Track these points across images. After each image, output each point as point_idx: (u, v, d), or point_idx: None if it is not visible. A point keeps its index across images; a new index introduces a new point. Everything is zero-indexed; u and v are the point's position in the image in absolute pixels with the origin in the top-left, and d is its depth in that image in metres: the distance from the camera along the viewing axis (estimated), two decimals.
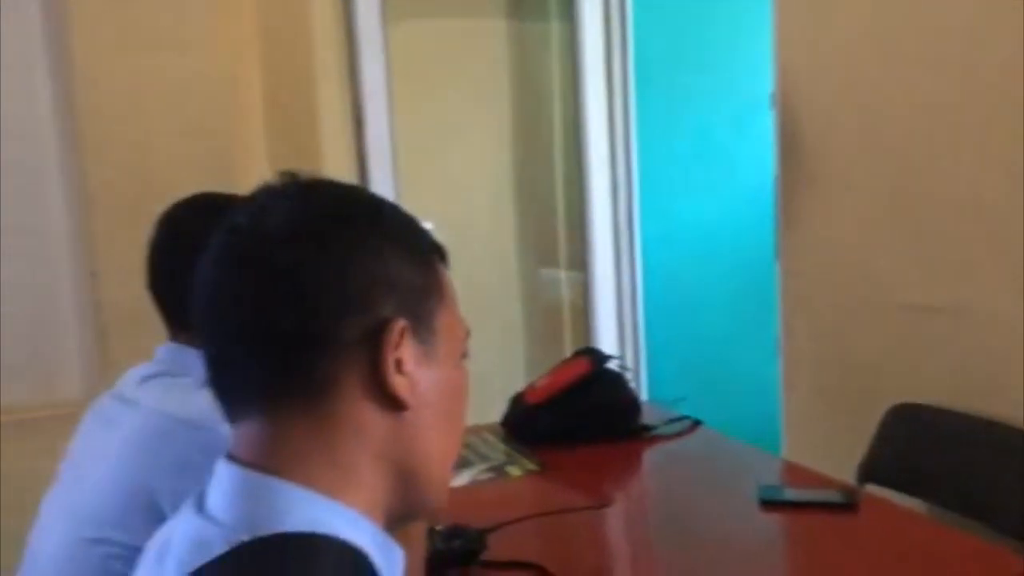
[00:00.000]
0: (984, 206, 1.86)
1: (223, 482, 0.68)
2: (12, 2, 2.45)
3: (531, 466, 1.81)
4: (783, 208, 2.41)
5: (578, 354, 2.13)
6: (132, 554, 1.05)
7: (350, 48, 2.77)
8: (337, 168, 2.96)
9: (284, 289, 0.66)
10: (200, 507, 0.68)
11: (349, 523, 0.65)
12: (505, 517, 1.48)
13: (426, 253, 0.73)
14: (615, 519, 1.58)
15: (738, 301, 3.32)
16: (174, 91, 2.62)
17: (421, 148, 3.04)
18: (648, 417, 2.01)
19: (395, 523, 0.72)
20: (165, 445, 1.09)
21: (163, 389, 1.15)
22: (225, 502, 0.66)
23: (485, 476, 1.76)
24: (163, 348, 1.22)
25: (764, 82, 2.58)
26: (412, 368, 0.68)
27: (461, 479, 1.74)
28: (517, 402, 2.03)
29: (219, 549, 0.62)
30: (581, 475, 1.77)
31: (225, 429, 1.03)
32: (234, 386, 0.69)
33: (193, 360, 1.15)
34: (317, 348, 0.66)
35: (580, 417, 1.94)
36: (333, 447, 0.67)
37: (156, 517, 1.04)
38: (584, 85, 3.14)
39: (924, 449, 1.91)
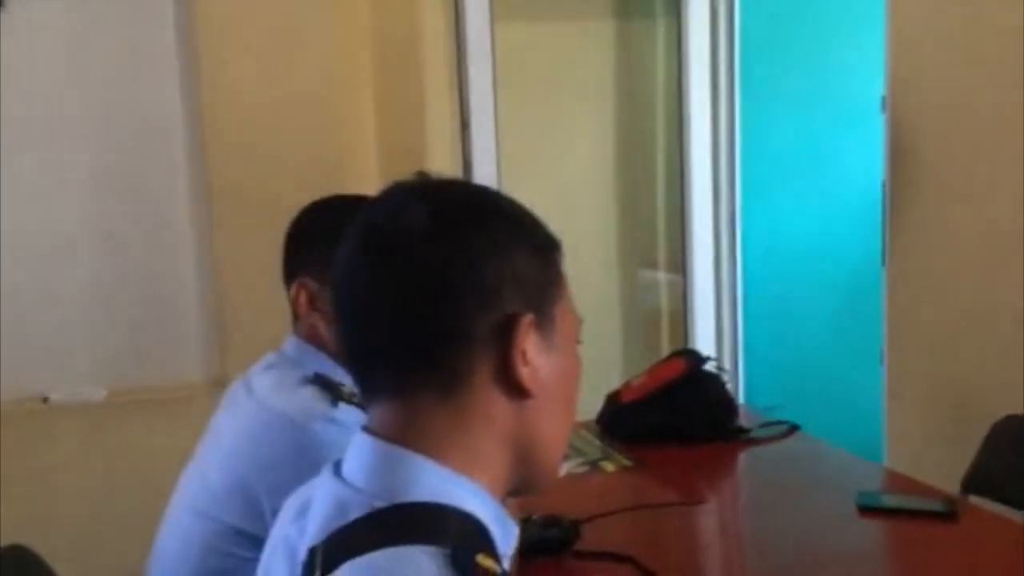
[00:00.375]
0: None
1: (362, 452, 0.74)
2: (149, 7, 2.62)
3: (625, 462, 1.84)
4: (892, 214, 2.37)
5: (675, 355, 2.15)
6: (232, 533, 1.14)
7: (458, 50, 2.85)
8: (442, 168, 3.03)
9: (424, 286, 0.70)
10: (337, 471, 0.75)
11: (473, 497, 0.71)
12: (598, 510, 1.52)
13: (546, 247, 0.77)
14: (707, 517, 1.60)
15: (840, 309, 3.25)
16: (291, 92, 2.74)
17: (525, 149, 3.09)
18: (744, 420, 2.01)
19: (507, 496, 0.77)
20: (263, 439, 1.16)
21: (275, 382, 1.22)
22: (363, 470, 0.72)
23: (580, 470, 1.80)
24: (287, 339, 1.29)
25: (872, 85, 2.53)
26: (534, 358, 0.73)
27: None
28: (612, 400, 2.06)
29: (357, 513, 0.69)
30: (674, 473, 1.79)
31: (320, 427, 1.11)
32: (372, 372, 0.74)
33: (311, 356, 1.23)
34: (453, 342, 0.71)
35: (675, 417, 1.96)
36: (463, 431, 0.72)
37: (252, 504, 1.12)
38: (689, 85, 3.13)
39: None
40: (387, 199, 0.75)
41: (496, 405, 0.73)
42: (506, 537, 0.73)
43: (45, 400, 2.61)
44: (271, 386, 1.21)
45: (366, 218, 0.74)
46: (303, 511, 0.76)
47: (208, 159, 2.67)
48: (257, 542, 1.12)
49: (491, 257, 0.72)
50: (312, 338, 1.24)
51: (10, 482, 2.45)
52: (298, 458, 1.08)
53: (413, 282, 0.71)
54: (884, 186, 2.40)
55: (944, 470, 1.97)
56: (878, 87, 2.44)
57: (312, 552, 0.69)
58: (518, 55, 3.04)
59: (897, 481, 1.81)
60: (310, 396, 1.16)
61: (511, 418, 0.73)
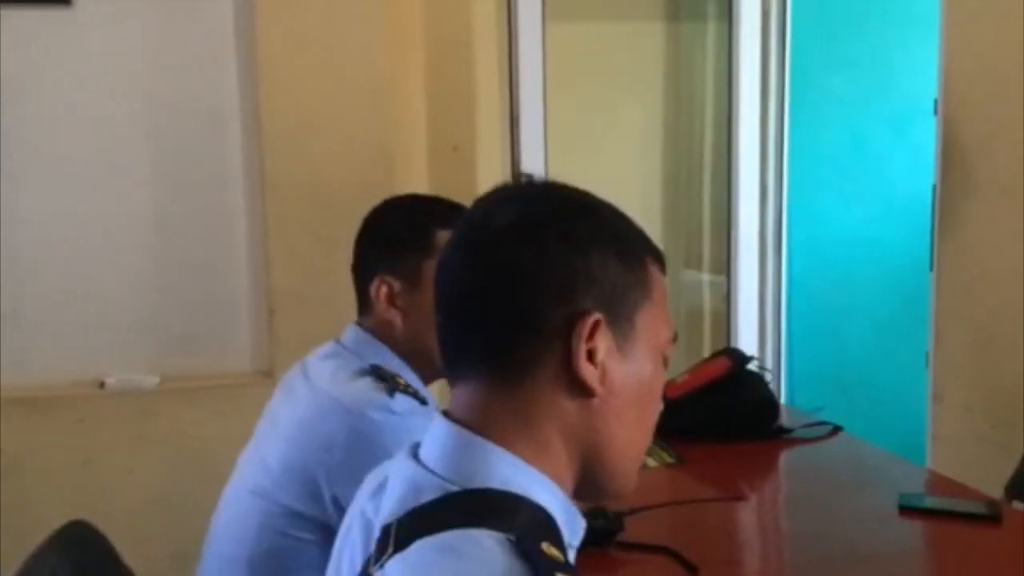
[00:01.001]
0: None
1: (439, 436, 0.77)
2: (209, 4, 2.69)
3: (668, 459, 1.86)
4: (941, 217, 2.36)
5: (719, 354, 2.17)
6: (290, 513, 1.19)
7: (510, 48, 2.89)
8: (491, 165, 3.08)
9: (502, 279, 0.75)
10: (414, 453, 0.78)
11: (543, 488, 0.74)
12: (641, 503, 1.54)
13: (638, 254, 0.79)
14: (749, 514, 1.62)
15: (886, 313, 3.24)
16: (344, 87, 2.79)
17: (573, 147, 3.12)
18: (787, 420, 2.02)
19: (581, 499, 0.80)
20: (321, 424, 1.20)
21: (333, 370, 1.27)
22: (439, 454, 0.76)
23: None
24: (348, 331, 1.34)
25: (922, 87, 2.53)
26: (604, 358, 0.75)
27: None
28: None
29: (430, 494, 0.73)
30: (717, 470, 1.81)
31: (377, 415, 1.15)
32: (456, 355, 0.79)
33: (371, 348, 1.28)
34: (523, 334, 0.74)
35: (718, 415, 1.97)
36: (530, 421, 0.75)
37: (310, 485, 1.17)
38: (739, 86, 3.14)
39: None
40: (487, 199, 0.80)
41: (559, 400, 0.75)
42: (574, 529, 0.76)
43: (101, 385, 2.70)
44: (329, 375, 1.25)
45: (466, 217, 0.80)
46: (380, 489, 0.80)
47: (263, 152, 2.72)
48: (313, 523, 1.17)
49: (568, 254, 0.75)
50: (384, 333, 1.29)
51: (65, 466, 2.53)
52: (355, 444, 1.12)
53: (493, 275, 0.75)
54: (934, 189, 2.39)
55: (988, 475, 1.97)
56: (927, 91, 2.44)
57: (386, 529, 0.72)
58: (568, 54, 3.07)
59: (939, 483, 1.81)
60: (367, 386, 1.21)
61: (574, 415, 0.76)
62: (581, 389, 0.75)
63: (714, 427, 1.95)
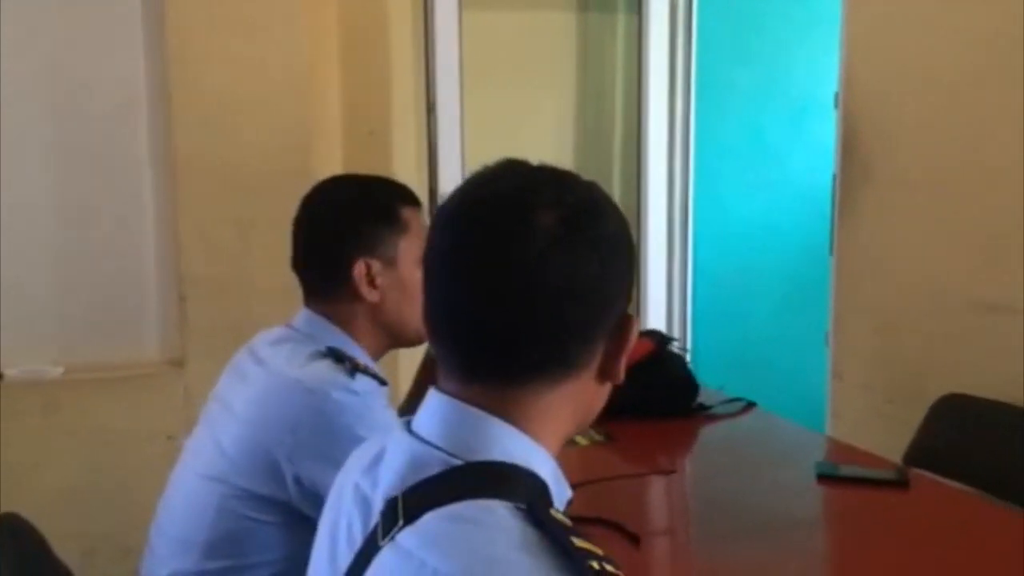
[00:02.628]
0: None
1: (437, 409, 0.79)
2: None
3: (597, 437, 1.93)
4: (841, 205, 2.50)
5: (642, 336, 2.24)
6: (249, 496, 1.19)
7: (426, 36, 2.89)
8: (406, 150, 3.09)
9: (559, 288, 0.75)
10: (408, 428, 0.80)
11: (539, 460, 0.78)
12: (578, 480, 1.59)
13: (633, 250, 0.85)
14: (679, 486, 1.69)
15: (785, 296, 3.41)
16: (258, 71, 2.73)
17: (487, 135, 3.15)
18: (705, 398, 2.12)
19: None
20: (283, 406, 1.20)
21: (289, 353, 1.27)
22: (441, 427, 0.77)
23: None
24: (300, 315, 1.34)
25: (819, 82, 2.67)
26: None
27: None
28: None
29: (435, 468, 0.74)
30: (644, 446, 1.89)
31: (340, 395, 1.16)
32: (481, 354, 0.77)
33: (325, 330, 1.28)
34: (580, 339, 0.78)
35: (642, 393, 2.04)
36: (559, 409, 0.79)
37: (271, 467, 1.17)
38: (647, 78, 3.24)
39: (971, 438, 2.00)
40: (506, 195, 0.77)
41: (590, 389, 0.81)
42: (561, 498, 0.80)
43: (0, 376, 2.58)
44: (285, 358, 1.25)
45: (485, 212, 0.77)
46: (375, 463, 0.81)
47: (174, 134, 2.65)
48: (273, 504, 1.17)
49: (615, 260, 0.79)
50: (347, 315, 1.30)
51: None
52: (319, 424, 1.13)
53: (550, 289, 0.75)
54: (834, 179, 2.53)
55: (881, 447, 2.11)
56: (824, 86, 2.58)
57: (392, 503, 0.74)
58: (483, 42, 3.09)
59: (850, 453, 1.93)
60: (327, 367, 1.21)
61: (592, 396, 0.82)
62: (611, 379, 0.82)
63: (639, 405, 2.01)
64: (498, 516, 0.70)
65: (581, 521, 1.45)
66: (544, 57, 3.36)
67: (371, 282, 1.29)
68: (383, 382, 1.25)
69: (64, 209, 2.62)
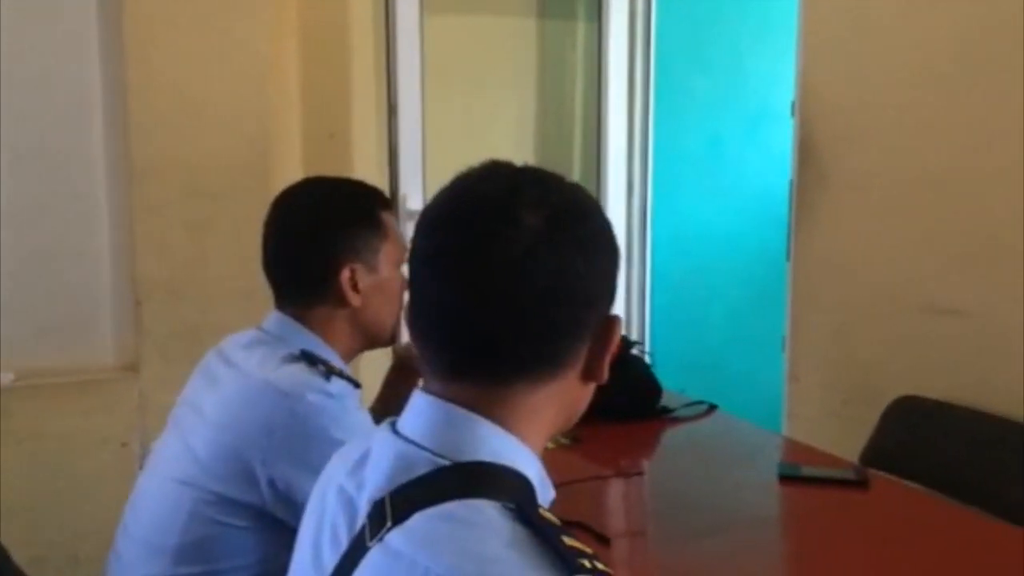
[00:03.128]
0: (993, 214, 2.01)
1: (424, 410, 0.79)
2: None
3: (564, 440, 1.94)
4: (798, 211, 2.55)
5: None
6: (222, 500, 1.17)
7: (388, 38, 2.89)
8: (367, 153, 3.07)
9: (547, 289, 0.76)
10: (394, 429, 0.80)
11: (525, 459, 0.78)
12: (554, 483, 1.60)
13: (618, 252, 0.85)
14: (646, 488, 1.71)
15: (742, 299, 3.46)
16: (216, 73, 2.70)
17: (448, 138, 3.15)
18: (666, 401, 2.15)
19: None
20: (257, 408, 1.19)
21: (262, 356, 1.26)
22: (427, 428, 0.77)
23: None
24: (271, 318, 1.33)
25: (775, 91, 2.72)
26: None
27: None
28: None
29: (423, 469, 0.74)
30: (611, 449, 1.90)
31: (315, 398, 1.15)
32: (465, 355, 0.77)
33: (296, 333, 1.27)
34: (567, 340, 0.78)
35: (606, 397, 2.05)
36: (545, 409, 0.79)
37: (245, 471, 1.16)
38: (607, 84, 3.27)
39: (925, 439, 2.06)
40: (490, 196, 0.77)
41: (575, 389, 0.82)
42: (545, 497, 0.80)
43: None
44: (258, 361, 1.24)
45: (470, 213, 0.77)
46: (360, 465, 0.80)
47: (129, 136, 2.60)
48: (246, 509, 1.16)
49: (600, 260, 0.80)
50: (356, 319, 1.31)
51: None
52: (295, 427, 1.12)
53: (536, 288, 0.75)
54: (791, 185, 2.58)
55: (837, 447, 2.15)
56: (780, 94, 2.63)
57: (379, 504, 0.73)
58: (444, 46, 3.10)
59: (809, 454, 1.97)
60: (301, 370, 1.20)
61: (577, 397, 0.83)
62: (594, 379, 0.82)
63: (603, 409, 2.02)
64: (488, 515, 0.70)
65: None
66: (505, 62, 3.37)
67: (354, 287, 1.29)
68: (357, 385, 1.24)
69: (15, 211, 2.56)
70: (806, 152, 2.51)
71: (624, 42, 3.27)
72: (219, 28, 2.68)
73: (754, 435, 2.05)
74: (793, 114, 2.56)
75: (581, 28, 3.43)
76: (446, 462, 0.75)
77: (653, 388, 2.13)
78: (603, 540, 1.43)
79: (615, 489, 1.68)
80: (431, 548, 0.68)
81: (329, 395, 1.17)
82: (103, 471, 2.55)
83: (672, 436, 2.04)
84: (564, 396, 0.81)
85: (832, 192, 2.44)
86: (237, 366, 1.25)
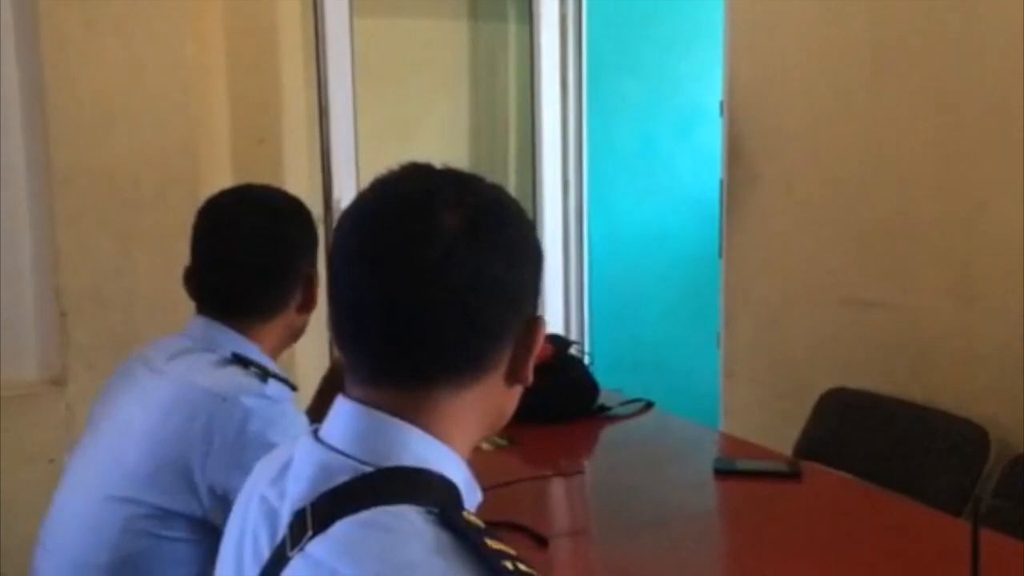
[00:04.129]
0: (912, 210, 2.07)
1: (346, 417, 0.77)
2: None
3: (500, 441, 1.94)
4: (729, 210, 2.60)
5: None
6: (158, 513, 1.14)
7: (317, 42, 2.86)
8: (298, 158, 3.03)
9: (466, 292, 0.75)
10: (316, 436, 0.78)
11: (450, 464, 0.77)
12: (483, 484, 1.60)
13: (542, 254, 0.84)
14: (583, 486, 1.72)
15: (677, 299, 3.51)
16: (140, 78, 2.64)
17: (382, 141, 3.13)
18: (604, 400, 2.16)
19: None
20: (193, 414, 1.16)
21: (193, 362, 1.23)
22: (350, 435, 0.76)
23: None
24: (194, 323, 1.29)
25: (704, 92, 2.77)
26: None
27: None
28: None
29: (343, 476, 0.73)
30: (547, 448, 1.91)
31: (252, 402, 1.13)
32: (388, 360, 0.76)
33: (224, 336, 1.25)
34: (489, 342, 0.77)
35: (544, 398, 2.06)
36: (469, 412, 0.78)
37: (183, 479, 1.13)
38: (540, 86, 3.28)
39: (853, 430, 2.11)
40: (408, 198, 0.76)
41: (500, 392, 0.80)
42: (472, 501, 0.79)
43: None
44: (188, 367, 1.21)
45: (388, 216, 0.76)
46: (282, 474, 0.79)
47: (50, 142, 2.53)
48: (183, 520, 1.13)
49: (522, 261, 0.79)
50: (293, 322, 1.31)
51: None
52: (232, 432, 1.10)
53: (455, 289, 0.74)
54: (721, 184, 2.63)
55: (772, 440, 2.20)
56: (709, 96, 2.67)
57: (300, 513, 0.72)
58: (376, 48, 3.08)
59: (743, 448, 2.00)
60: (235, 374, 1.18)
61: (502, 400, 0.81)
62: (519, 382, 0.81)
63: (541, 409, 2.04)
64: (410, 521, 0.69)
65: (488, 525, 1.47)
66: (438, 64, 3.37)
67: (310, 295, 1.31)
68: (293, 387, 1.22)
69: None
70: (734, 152, 2.56)
71: (555, 44, 3.29)
72: (140, 33, 2.61)
73: (690, 431, 2.08)
74: (722, 114, 2.61)
75: (513, 30, 3.44)
76: (369, 469, 0.73)
77: (590, 388, 2.15)
78: (540, 541, 1.43)
79: (552, 489, 1.68)
80: (351, 556, 0.67)
81: (266, 398, 1.15)
82: (30, 488, 2.46)
83: (609, 434, 2.06)
84: (489, 399, 0.80)
85: (760, 191, 2.49)
86: (166, 374, 1.22)
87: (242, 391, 1.15)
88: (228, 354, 1.21)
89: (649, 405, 2.18)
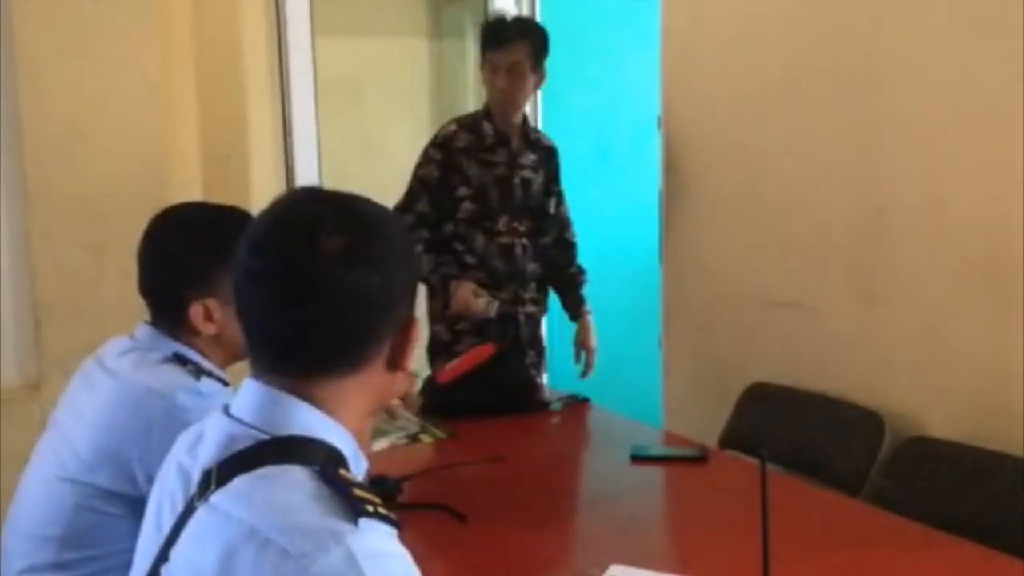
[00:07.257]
0: (822, 218, 2.24)
1: (250, 394, 0.93)
2: None
3: (441, 435, 2.09)
4: (666, 220, 2.76)
5: (483, 340, 2.42)
6: (103, 494, 1.30)
7: (280, 60, 3.00)
8: (265, 173, 3.18)
9: (345, 302, 0.89)
10: (226, 411, 0.94)
11: (338, 435, 0.92)
12: (417, 471, 1.76)
13: (416, 262, 1.01)
14: (510, 473, 1.86)
15: (629, 303, 3.65)
16: (111, 96, 2.77)
17: (345, 156, 3.28)
18: (546, 396, 2.33)
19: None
20: (135, 410, 1.30)
21: (136, 362, 1.37)
22: (251, 409, 0.92)
23: (401, 442, 2.04)
24: (143, 329, 1.42)
25: (655, 105, 2.91)
26: None
27: (380, 444, 2.01)
28: (429, 382, 2.32)
29: (245, 442, 0.89)
30: (484, 441, 2.06)
31: (185, 397, 1.27)
32: (285, 356, 0.91)
33: (163, 341, 1.39)
34: (368, 341, 0.92)
35: (485, 394, 2.23)
36: (354, 394, 0.94)
37: (124, 467, 1.28)
38: None
39: (771, 420, 2.27)
40: (295, 224, 0.90)
41: (381, 377, 0.95)
42: (358, 467, 0.95)
43: None
44: (132, 365, 1.35)
45: (278, 239, 0.90)
46: (196, 443, 0.95)
47: (24, 160, 2.66)
48: (125, 499, 1.29)
49: (396, 273, 0.93)
50: (218, 341, 1.38)
51: None
52: (169, 425, 1.23)
53: (335, 303, 0.89)
54: (660, 196, 2.79)
55: (709, 433, 2.36)
56: (657, 107, 2.83)
57: (207, 472, 0.88)
58: (338, 66, 3.22)
59: (666, 437, 2.17)
60: (173, 371, 1.33)
61: (384, 384, 0.97)
62: (400, 368, 0.96)
63: (483, 405, 2.20)
64: (294, 475, 0.85)
65: (416, 507, 1.62)
66: (399, 80, 3.52)
67: (208, 318, 1.36)
68: (226, 383, 1.36)
69: None
70: (670, 165, 2.72)
71: None
72: (110, 56, 2.74)
73: (620, 424, 2.23)
74: (659, 128, 2.77)
75: (471, 47, 3.60)
76: (266, 436, 0.89)
77: (529, 384, 2.30)
78: (460, 518, 1.58)
79: (480, 475, 1.83)
80: (244, 501, 0.84)
81: (199, 394, 1.29)
82: (6, 489, 2.59)
83: (544, 427, 2.21)
84: (371, 383, 0.96)
85: (692, 200, 2.65)
86: (114, 372, 1.36)
87: (180, 388, 1.29)
88: (170, 352, 1.36)
89: (586, 400, 2.34)
